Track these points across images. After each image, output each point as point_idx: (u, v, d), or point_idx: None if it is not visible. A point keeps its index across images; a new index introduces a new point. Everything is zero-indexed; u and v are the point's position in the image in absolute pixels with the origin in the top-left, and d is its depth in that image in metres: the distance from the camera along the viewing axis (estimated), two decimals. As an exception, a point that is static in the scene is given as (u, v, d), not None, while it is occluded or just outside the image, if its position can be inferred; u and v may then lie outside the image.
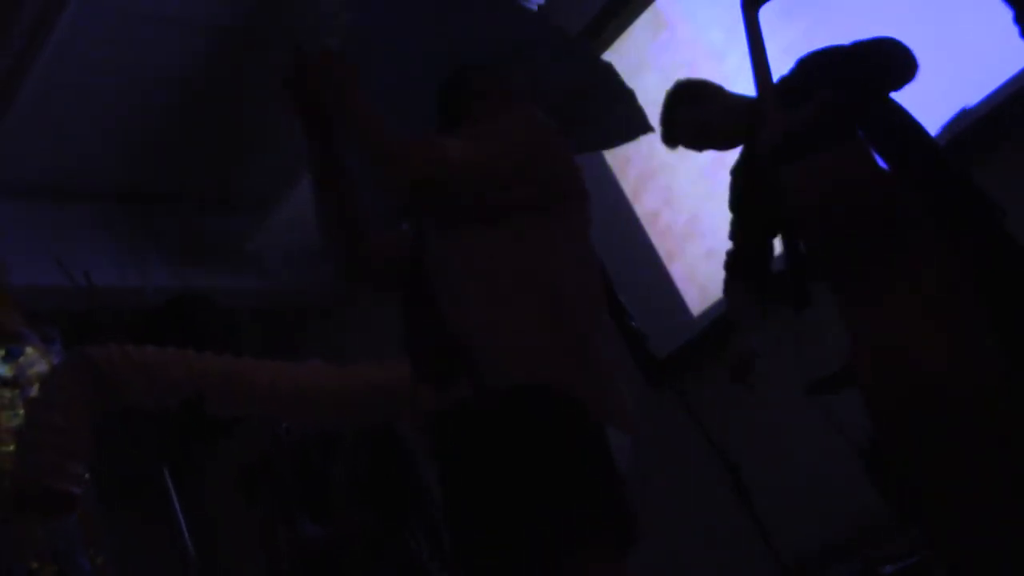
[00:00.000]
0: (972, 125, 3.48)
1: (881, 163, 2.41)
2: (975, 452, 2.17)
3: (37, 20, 3.72)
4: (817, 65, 2.55)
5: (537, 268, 1.83)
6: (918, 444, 2.24)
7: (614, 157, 4.61)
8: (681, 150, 2.85)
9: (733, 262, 2.82)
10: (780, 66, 2.60)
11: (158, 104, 4.67)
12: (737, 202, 2.82)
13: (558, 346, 1.77)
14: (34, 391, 3.75)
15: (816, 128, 2.42)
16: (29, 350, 3.83)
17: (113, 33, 4.14)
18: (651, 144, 2.81)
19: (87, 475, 2.00)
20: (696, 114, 2.76)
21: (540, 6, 4.73)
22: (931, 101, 2.83)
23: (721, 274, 2.81)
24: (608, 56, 4.42)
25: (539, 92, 2.10)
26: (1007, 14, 2.26)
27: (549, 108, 2.06)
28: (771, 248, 2.76)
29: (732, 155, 2.83)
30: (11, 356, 3.79)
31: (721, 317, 4.20)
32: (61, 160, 4.75)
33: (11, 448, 3.70)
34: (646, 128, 2.30)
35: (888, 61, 2.46)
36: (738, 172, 2.82)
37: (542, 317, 1.78)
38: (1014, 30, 2.24)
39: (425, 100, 2.11)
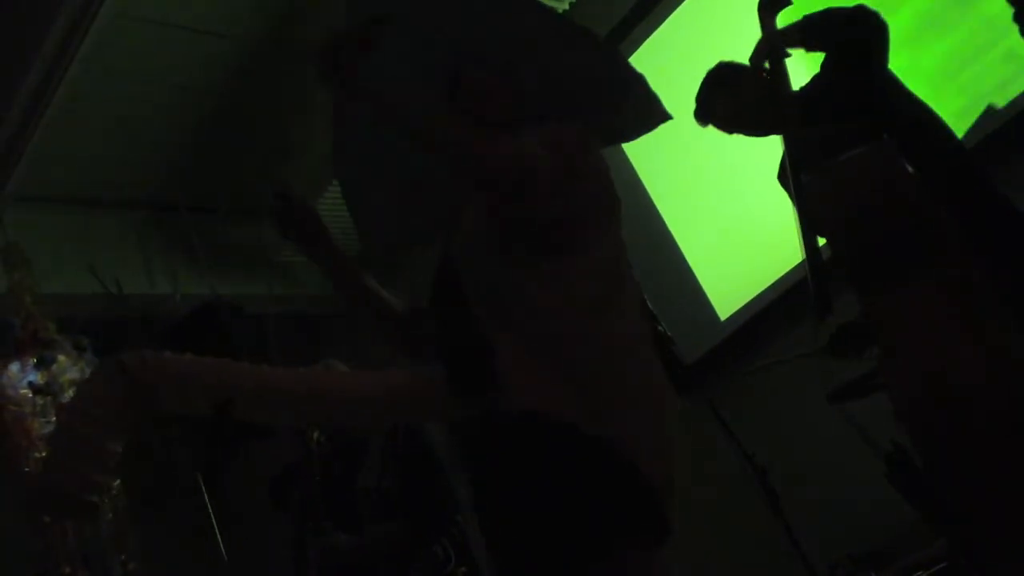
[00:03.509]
0: (997, 129, 3.45)
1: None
2: (1010, 461, 2.15)
3: (68, 31, 3.76)
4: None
5: (582, 295, 1.83)
6: (953, 453, 2.22)
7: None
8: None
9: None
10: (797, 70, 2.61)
11: (188, 114, 4.71)
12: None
13: (592, 385, 1.77)
14: (66, 398, 3.79)
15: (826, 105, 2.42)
16: (61, 358, 3.88)
17: (143, 43, 4.18)
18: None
19: (112, 485, 2.03)
20: (731, 97, 2.77)
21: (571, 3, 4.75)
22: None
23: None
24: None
25: (549, 86, 2.08)
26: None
27: (562, 103, 2.05)
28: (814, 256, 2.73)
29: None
30: (43, 363, 3.83)
31: (749, 321, 4.20)
32: (91, 170, 4.79)
33: (44, 454, 3.74)
34: (664, 116, 2.25)
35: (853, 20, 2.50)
36: (783, 175, 2.81)
37: (580, 350, 1.79)
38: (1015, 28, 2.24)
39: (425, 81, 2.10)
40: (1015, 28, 2.32)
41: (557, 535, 1.68)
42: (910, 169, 2.37)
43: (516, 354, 1.77)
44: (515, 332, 1.79)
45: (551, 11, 2.32)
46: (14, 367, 3.83)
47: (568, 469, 1.71)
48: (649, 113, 2.21)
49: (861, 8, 2.57)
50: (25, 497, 3.59)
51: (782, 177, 2.79)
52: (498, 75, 2.05)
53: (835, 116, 2.50)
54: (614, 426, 1.75)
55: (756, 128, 2.79)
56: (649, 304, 3.63)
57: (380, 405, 2.20)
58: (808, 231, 2.58)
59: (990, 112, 3.39)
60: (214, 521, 4.07)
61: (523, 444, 1.73)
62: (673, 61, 4.44)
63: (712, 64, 2.88)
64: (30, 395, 3.78)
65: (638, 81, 2.18)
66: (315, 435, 3.04)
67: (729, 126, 2.82)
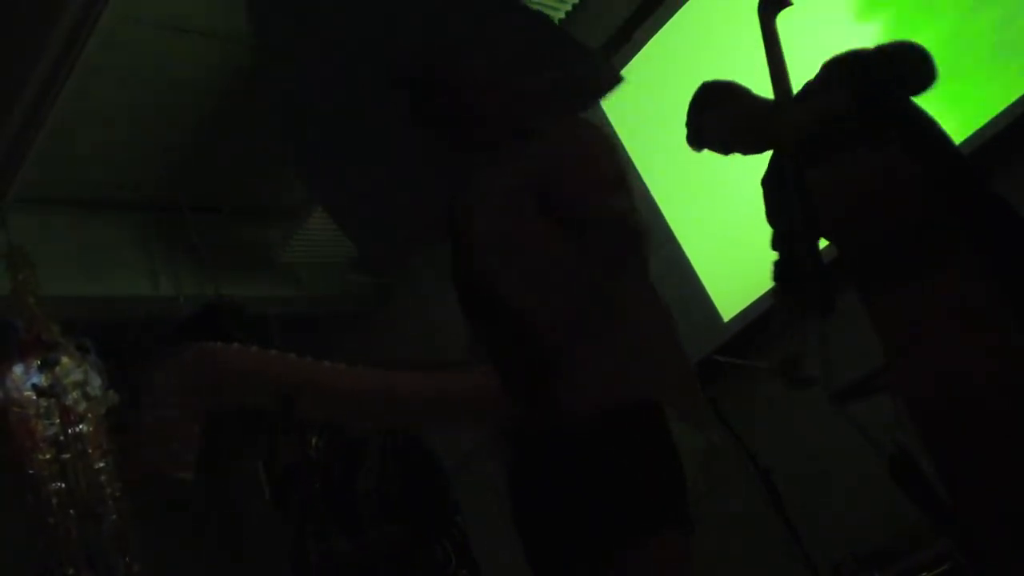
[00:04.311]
0: (997, 134, 3.45)
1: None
2: (1016, 461, 2.15)
3: (72, 32, 3.77)
4: (837, 69, 2.53)
5: (620, 283, 1.85)
6: (958, 453, 2.22)
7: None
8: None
9: (778, 272, 2.81)
10: (798, 71, 2.59)
11: (190, 115, 4.71)
12: (772, 214, 2.80)
13: (652, 362, 1.81)
14: (70, 400, 3.80)
15: (835, 127, 2.40)
16: (65, 360, 3.88)
17: (146, 46, 4.19)
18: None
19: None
20: (722, 116, 2.73)
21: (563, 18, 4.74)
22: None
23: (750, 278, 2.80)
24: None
25: (503, 67, 2.07)
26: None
27: (514, 80, 2.04)
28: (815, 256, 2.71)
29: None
30: (47, 366, 3.84)
31: (752, 322, 4.19)
32: (94, 172, 4.80)
33: (48, 456, 3.75)
34: (616, 79, 2.23)
35: (905, 65, 2.44)
36: (768, 183, 2.80)
37: (628, 332, 1.81)
38: None
39: (376, 92, 2.07)
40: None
41: (620, 525, 1.70)
42: (913, 168, 2.36)
43: (590, 352, 1.79)
44: (579, 330, 1.80)
45: None
46: (18, 369, 3.84)
47: (650, 452, 1.73)
48: (601, 80, 2.21)
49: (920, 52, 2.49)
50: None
51: (767, 181, 2.78)
52: (461, 70, 2.02)
53: (836, 119, 2.48)
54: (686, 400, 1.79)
55: (752, 145, 2.75)
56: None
57: (439, 408, 2.21)
58: (810, 230, 2.57)
59: None
60: (222, 526, 4.08)
61: (608, 437, 1.73)
62: (675, 64, 4.44)
63: (711, 67, 2.86)
64: (34, 397, 3.79)
65: (581, 49, 2.17)
66: (314, 440, 3.03)
67: (724, 147, 2.77)
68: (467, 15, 2.08)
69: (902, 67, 2.43)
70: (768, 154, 2.76)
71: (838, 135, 2.41)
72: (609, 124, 4.65)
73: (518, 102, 2.03)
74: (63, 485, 3.74)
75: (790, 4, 2.54)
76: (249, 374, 2.15)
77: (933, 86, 2.42)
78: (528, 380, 1.83)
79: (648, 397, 1.76)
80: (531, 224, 1.85)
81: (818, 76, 2.57)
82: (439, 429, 3.18)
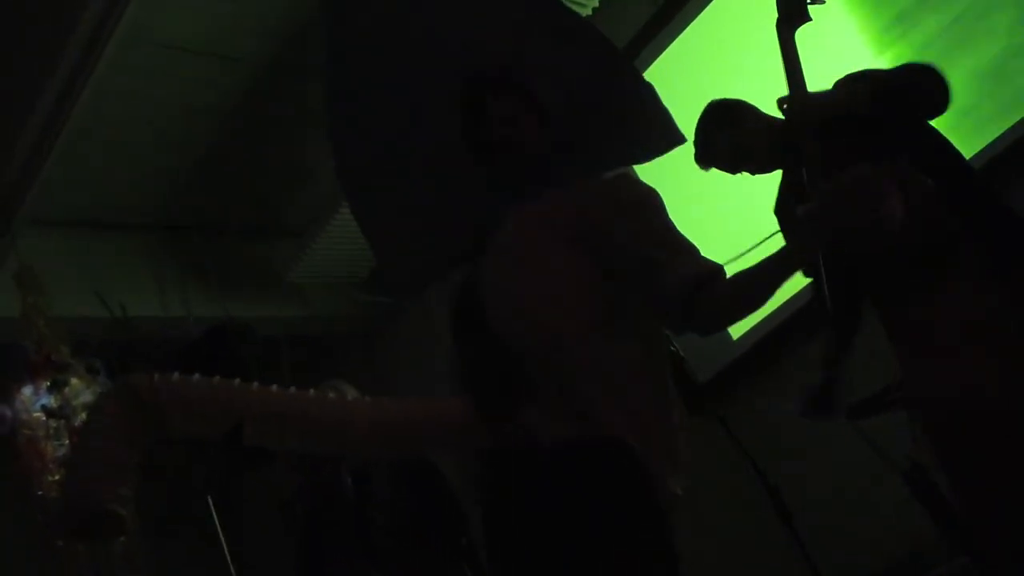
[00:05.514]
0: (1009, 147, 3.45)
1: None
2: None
3: (81, 55, 3.79)
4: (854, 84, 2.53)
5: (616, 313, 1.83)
6: (975, 462, 2.21)
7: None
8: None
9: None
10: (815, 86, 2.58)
11: (199, 136, 4.73)
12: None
13: (633, 403, 1.76)
14: (79, 421, 3.80)
15: (848, 122, 2.40)
16: (74, 381, 3.89)
17: (154, 66, 4.21)
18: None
19: (131, 499, 2.06)
20: (732, 136, 2.73)
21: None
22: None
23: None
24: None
25: (558, 90, 2.03)
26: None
27: (570, 114, 2.02)
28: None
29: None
30: (56, 387, 3.84)
31: (760, 340, 4.18)
32: (104, 192, 4.82)
33: (57, 477, 3.75)
34: (679, 139, 2.17)
35: (924, 85, 2.45)
36: (780, 208, 2.79)
37: (621, 372, 1.78)
38: None
39: (437, 101, 2.05)
40: None
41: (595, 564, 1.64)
42: (922, 182, 2.36)
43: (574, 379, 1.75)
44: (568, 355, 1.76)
45: (564, 10, 2.21)
46: (27, 390, 3.85)
47: (619, 496, 1.68)
48: (663, 136, 2.17)
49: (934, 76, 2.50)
50: (45, 519, 3.60)
51: (779, 210, 2.78)
52: (514, 96, 1.99)
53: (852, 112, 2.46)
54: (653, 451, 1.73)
55: (759, 163, 2.75)
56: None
57: (401, 436, 2.18)
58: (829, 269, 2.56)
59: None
60: (223, 544, 4.06)
61: (579, 468, 1.69)
62: (692, 73, 4.43)
63: (725, 75, 2.86)
64: (43, 418, 3.79)
65: (653, 99, 2.14)
66: (349, 480, 3.01)
67: (732, 166, 2.78)
68: (545, 40, 2.04)
69: (921, 86, 2.44)
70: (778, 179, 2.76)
71: (846, 148, 2.41)
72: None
73: (564, 139, 2.00)
74: (72, 506, 3.73)
75: (809, 20, 2.53)
76: (192, 405, 2.11)
77: (947, 109, 2.43)
78: (501, 400, 1.80)
79: (616, 435, 1.70)
80: (555, 264, 1.83)
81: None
82: (403, 454, 3.13)
